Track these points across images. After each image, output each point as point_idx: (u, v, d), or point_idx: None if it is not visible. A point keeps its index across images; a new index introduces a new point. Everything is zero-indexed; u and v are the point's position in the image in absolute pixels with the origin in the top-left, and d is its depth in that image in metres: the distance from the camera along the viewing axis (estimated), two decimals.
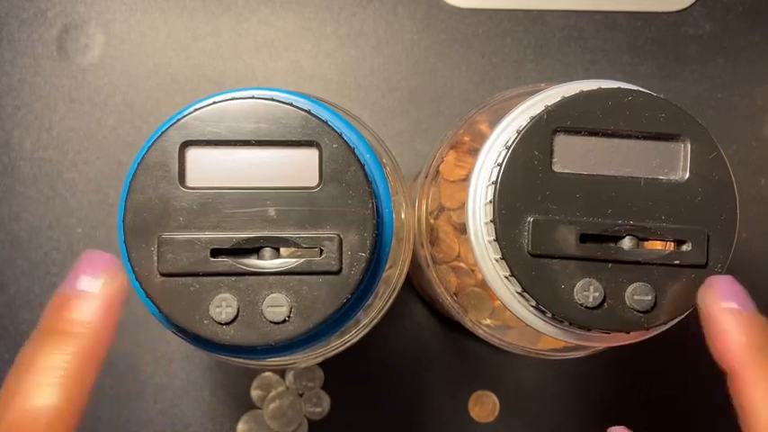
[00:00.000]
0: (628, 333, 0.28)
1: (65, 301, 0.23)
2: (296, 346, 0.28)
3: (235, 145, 0.27)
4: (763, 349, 0.25)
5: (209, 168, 0.27)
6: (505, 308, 0.29)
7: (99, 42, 0.46)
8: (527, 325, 0.29)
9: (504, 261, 0.27)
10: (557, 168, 0.27)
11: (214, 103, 0.27)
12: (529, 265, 0.27)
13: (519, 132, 0.28)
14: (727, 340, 0.26)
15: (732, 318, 0.26)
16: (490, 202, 0.28)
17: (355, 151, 0.27)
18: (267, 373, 0.45)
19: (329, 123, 0.27)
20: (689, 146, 0.28)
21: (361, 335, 0.32)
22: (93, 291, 0.23)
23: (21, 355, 0.23)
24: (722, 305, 0.26)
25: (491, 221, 0.27)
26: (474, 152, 0.31)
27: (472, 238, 0.29)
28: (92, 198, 0.45)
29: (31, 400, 0.22)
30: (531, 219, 0.27)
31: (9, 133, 0.46)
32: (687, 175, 0.28)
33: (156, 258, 0.26)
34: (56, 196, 0.45)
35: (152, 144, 0.27)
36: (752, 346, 0.25)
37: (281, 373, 0.45)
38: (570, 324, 0.27)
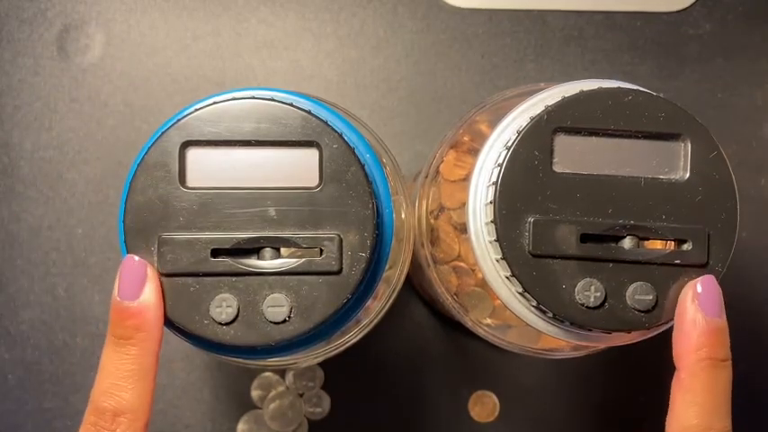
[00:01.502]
0: (629, 333, 0.28)
1: (124, 310, 0.26)
2: (296, 346, 0.28)
3: (235, 145, 0.27)
4: (705, 357, 0.26)
5: (210, 168, 0.27)
6: (506, 307, 0.29)
7: (99, 42, 0.46)
8: (527, 325, 0.29)
9: (504, 261, 0.27)
10: (557, 168, 0.27)
11: (214, 103, 0.27)
12: (529, 265, 0.27)
13: (519, 132, 0.28)
14: (683, 342, 0.27)
15: (695, 322, 0.26)
16: (491, 202, 0.28)
17: (355, 151, 0.27)
18: (267, 373, 0.45)
19: (329, 123, 0.27)
20: (689, 145, 0.28)
21: (361, 335, 0.32)
22: (145, 299, 0.26)
23: (101, 358, 0.27)
24: (693, 307, 0.27)
25: (492, 222, 0.27)
26: (474, 152, 0.31)
27: (473, 238, 0.29)
28: (92, 198, 0.45)
29: (114, 401, 0.26)
30: (531, 219, 0.27)
31: (9, 133, 0.46)
32: (687, 174, 0.28)
33: (156, 258, 0.26)
34: (56, 196, 0.45)
35: (152, 144, 0.27)
36: (698, 353, 0.26)
37: (281, 373, 0.45)
38: (571, 324, 0.27)
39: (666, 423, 0.27)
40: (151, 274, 0.26)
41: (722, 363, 0.27)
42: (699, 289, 0.27)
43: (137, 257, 0.26)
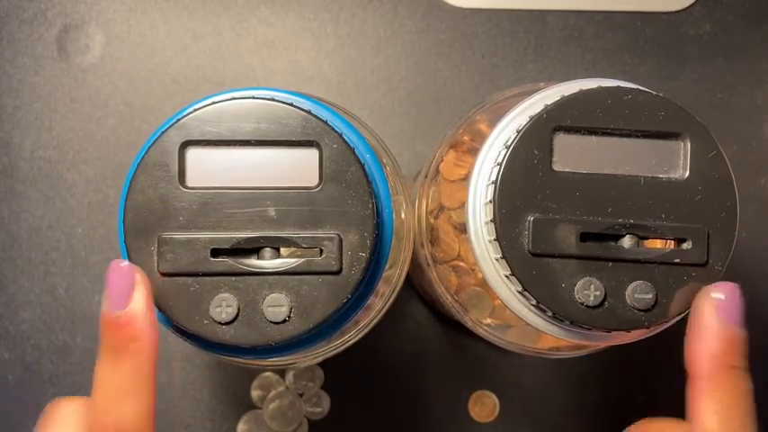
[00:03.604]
0: (628, 332, 0.28)
1: (114, 320, 0.25)
2: (296, 346, 0.28)
3: (235, 145, 0.27)
4: (727, 365, 0.26)
5: (209, 168, 0.27)
6: (506, 307, 0.29)
7: (99, 42, 0.46)
8: (527, 324, 0.29)
9: (504, 260, 0.27)
10: (557, 167, 0.27)
11: (214, 103, 0.27)
12: (529, 264, 0.27)
13: (519, 131, 0.28)
14: (700, 347, 0.26)
15: (713, 328, 0.26)
16: (490, 201, 0.28)
17: (355, 151, 0.27)
18: (267, 373, 0.45)
19: (329, 123, 0.27)
20: (689, 144, 0.28)
21: (361, 335, 0.32)
22: (135, 307, 0.25)
23: (95, 373, 0.25)
24: (711, 312, 0.26)
25: (491, 221, 0.27)
26: (474, 151, 0.31)
27: (472, 237, 0.29)
28: (92, 198, 0.45)
29: (115, 416, 0.25)
30: (531, 218, 0.27)
31: (9, 133, 0.46)
32: (687, 173, 0.28)
33: (156, 258, 0.26)
34: (56, 196, 0.45)
35: (152, 144, 0.27)
36: (716, 359, 0.26)
37: (281, 373, 0.45)
38: (571, 323, 0.27)
39: None
40: (140, 279, 0.25)
41: (743, 372, 0.26)
42: (720, 296, 0.26)
43: (124, 263, 0.25)
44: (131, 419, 0.25)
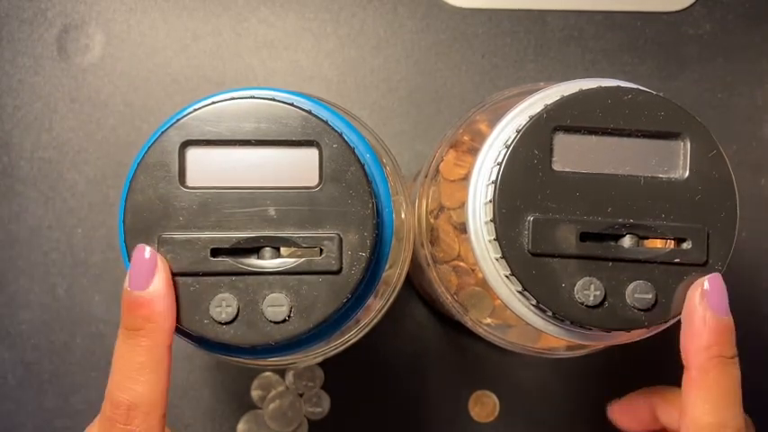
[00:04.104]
0: (628, 331, 0.28)
1: (134, 300, 0.26)
2: (296, 346, 0.28)
3: (235, 145, 0.27)
4: (716, 356, 0.27)
5: (209, 168, 0.27)
6: (506, 307, 0.29)
7: (99, 42, 0.46)
8: (527, 324, 0.29)
9: (504, 260, 0.27)
10: (556, 167, 0.27)
11: (214, 103, 0.27)
12: (529, 263, 0.27)
13: (518, 131, 0.28)
14: (694, 340, 0.27)
15: (704, 320, 0.27)
16: (490, 201, 0.28)
17: (355, 151, 0.27)
18: (267, 373, 0.45)
19: (329, 123, 0.27)
20: (688, 144, 0.28)
21: (361, 334, 0.32)
22: (154, 289, 0.26)
23: (114, 350, 0.27)
24: (702, 306, 0.27)
25: (491, 221, 0.27)
26: (474, 151, 0.31)
27: (472, 237, 0.29)
28: (92, 198, 0.45)
29: (128, 393, 0.26)
30: (531, 218, 0.27)
31: (9, 133, 0.46)
32: (687, 173, 0.28)
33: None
34: (56, 196, 0.45)
35: (152, 144, 0.27)
36: (710, 351, 0.27)
37: (281, 373, 0.45)
38: (571, 323, 0.27)
39: (680, 422, 0.27)
40: (161, 265, 0.26)
41: (731, 360, 0.27)
42: (706, 286, 0.27)
43: (148, 248, 0.26)
44: (144, 397, 0.26)
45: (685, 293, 0.27)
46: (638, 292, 0.27)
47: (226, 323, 0.26)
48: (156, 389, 0.26)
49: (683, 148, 0.28)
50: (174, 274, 0.26)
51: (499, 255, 0.27)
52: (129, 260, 0.26)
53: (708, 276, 0.27)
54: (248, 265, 0.27)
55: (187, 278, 0.26)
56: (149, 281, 0.26)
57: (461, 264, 0.35)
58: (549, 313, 0.27)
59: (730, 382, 0.27)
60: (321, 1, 0.47)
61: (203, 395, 0.45)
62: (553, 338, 0.30)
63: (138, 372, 0.26)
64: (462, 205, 0.31)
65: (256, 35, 0.47)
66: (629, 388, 0.45)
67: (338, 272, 0.26)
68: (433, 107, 0.47)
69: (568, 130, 0.28)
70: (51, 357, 0.45)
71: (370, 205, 0.27)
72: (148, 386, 0.26)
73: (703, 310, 0.27)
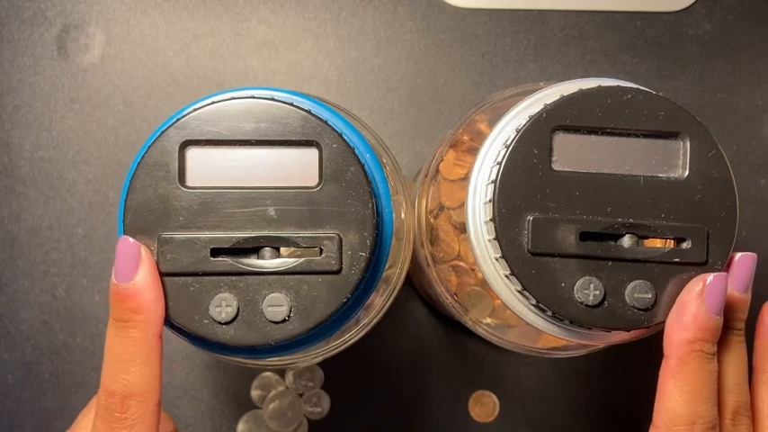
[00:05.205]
0: (628, 331, 0.28)
1: (120, 293, 0.26)
2: (296, 346, 0.28)
3: (235, 145, 0.27)
4: (699, 350, 0.27)
5: (209, 168, 0.27)
6: (506, 307, 0.29)
7: (99, 42, 0.46)
8: (527, 323, 0.29)
9: (504, 260, 0.27)
10: (556, 167, 0.27)
11: (214, 103, 0.27)
12: (529, 263, 0.27)
13: (518, 131, 0.28)
14: (681, 331, 0.27)
15: (697, 315, 0.27)
16: (490, 200, 0.28)
17: (355, 151, 0.27)
18: (267, 373, 0.45)
19: (329, 123, 0.27)
20: (688, 143, 0.28)
21: (361, 334, 0.32)
22: (139, 280, 0.26)
23: (106, 342, 0.27)
24: (698, 300, 0.27)
25: (491, 220, 0.27)
26: (473, 151, 0.31)
27: (472, 237, 0.29)
28: (92, 198, 0.45)
29: (121, 383, 0.26)
30: (530, 217, 0.27)
31: (9, 133, 0.46)
32: (686, 172, 0.28)
33: (156, 258, 0.26)
34: (56, 196, 0.45)
35: (152, 144, 0.27)
36: (693, 345, 0.27)
37: (281, 373, 0.45)
38: (570, 322, 0.27)
39: (655, 409, 0.28)
40: (145, 255, 0.26)
41: (712, 357, 0.27)
42: (709, 282, 0.27)
43: (131, 239, 0.26)
44: (137, 386, 0.26)
45: None
46: (637, 292, 0.27)
47: (226, 323, 0.26)
48: (149, 378, 0.27)
49: (683, 148, 0.28)
50: (174, 274, 0.26)
51: (499, 254, 0.27)
52: (117, 250, 0.27)
53: (714, 273, 0.27)
54: (248, 265, 0.27)
55: (187, 278, 0.26)
56: (134, 273, 0.26)
57: (461, 264, 0.35)
58: (549, 313, 0.27)
59: (708, 376, 0.27)
60: (321, 1, 0.47)
61: (203, 395, 0.45)
62: (553, 338, 0.30)
63: (130, 362, 0.26)
64: (462, 205, 0.31)
65: (256, 35, 0.47)
66: (629, 388, 0.45)
67: (338, 272, 0.27)
68: (433, 107, 0.47)
69: (568, 129, 0.28)
70: (51, 357, 0.45)
71: (370, 205, 0.27)
72: (141, 376, 0.26)
73: (699, 304, 0.27)
